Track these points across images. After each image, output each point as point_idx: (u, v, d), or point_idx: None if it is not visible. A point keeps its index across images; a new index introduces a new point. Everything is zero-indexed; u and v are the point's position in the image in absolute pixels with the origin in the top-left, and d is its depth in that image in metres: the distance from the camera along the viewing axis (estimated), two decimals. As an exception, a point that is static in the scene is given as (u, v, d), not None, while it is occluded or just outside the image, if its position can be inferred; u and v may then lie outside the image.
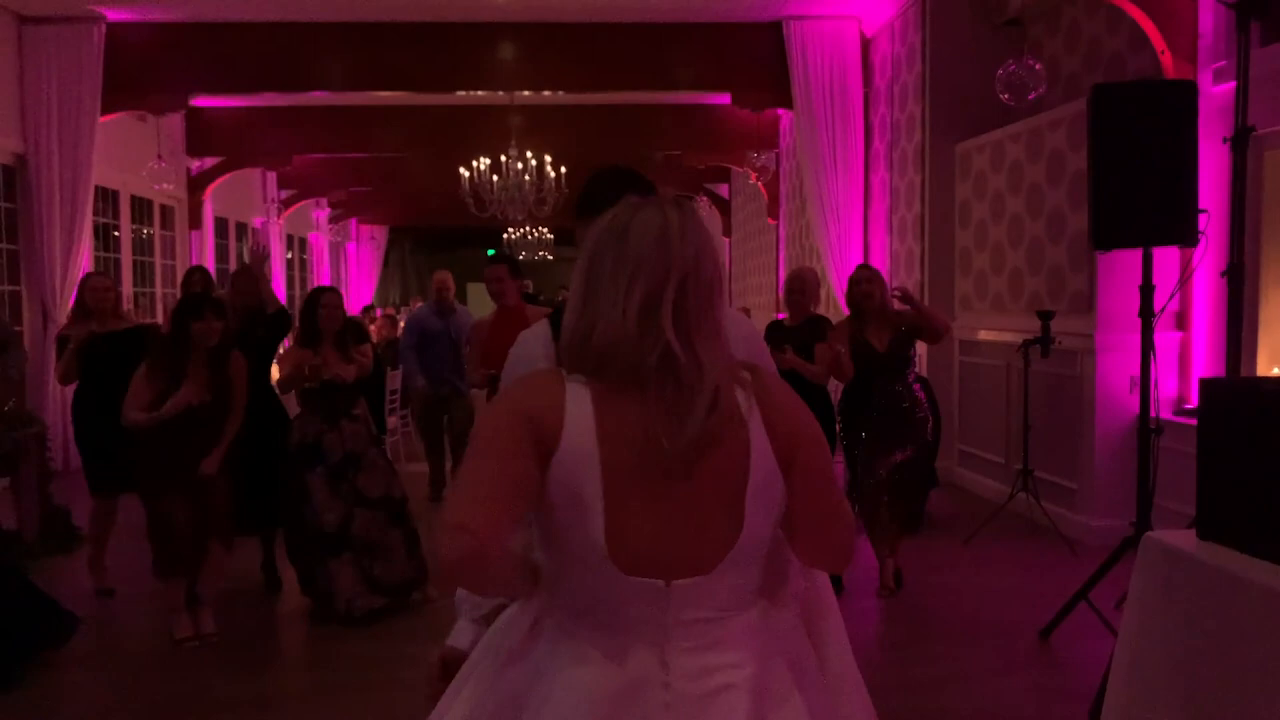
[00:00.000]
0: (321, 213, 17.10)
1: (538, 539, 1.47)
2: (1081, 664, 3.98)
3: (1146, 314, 3.76)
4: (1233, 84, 4.30)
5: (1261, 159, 5.11)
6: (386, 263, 23.41)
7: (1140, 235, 3.65)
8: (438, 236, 26.64)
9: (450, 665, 1.62)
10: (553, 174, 10.73)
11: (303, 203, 15.41)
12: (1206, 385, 3.13)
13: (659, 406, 1.35)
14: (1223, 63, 5.35)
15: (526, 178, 10.53)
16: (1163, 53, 5.59)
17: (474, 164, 10.71)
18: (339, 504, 4.62)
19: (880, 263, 8.51)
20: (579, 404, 1.36)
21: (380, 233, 21.44)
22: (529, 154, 10.43)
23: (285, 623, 4.91)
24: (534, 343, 1.89)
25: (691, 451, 1.35)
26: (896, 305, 5.08)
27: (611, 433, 1.35)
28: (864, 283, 5.01)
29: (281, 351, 5.44)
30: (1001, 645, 4.29)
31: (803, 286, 5.23)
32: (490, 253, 29.29)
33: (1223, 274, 4.49)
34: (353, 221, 19.30)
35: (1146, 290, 3.76)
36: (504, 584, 1.42)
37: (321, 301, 4.74)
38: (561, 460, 1.35)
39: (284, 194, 14.57)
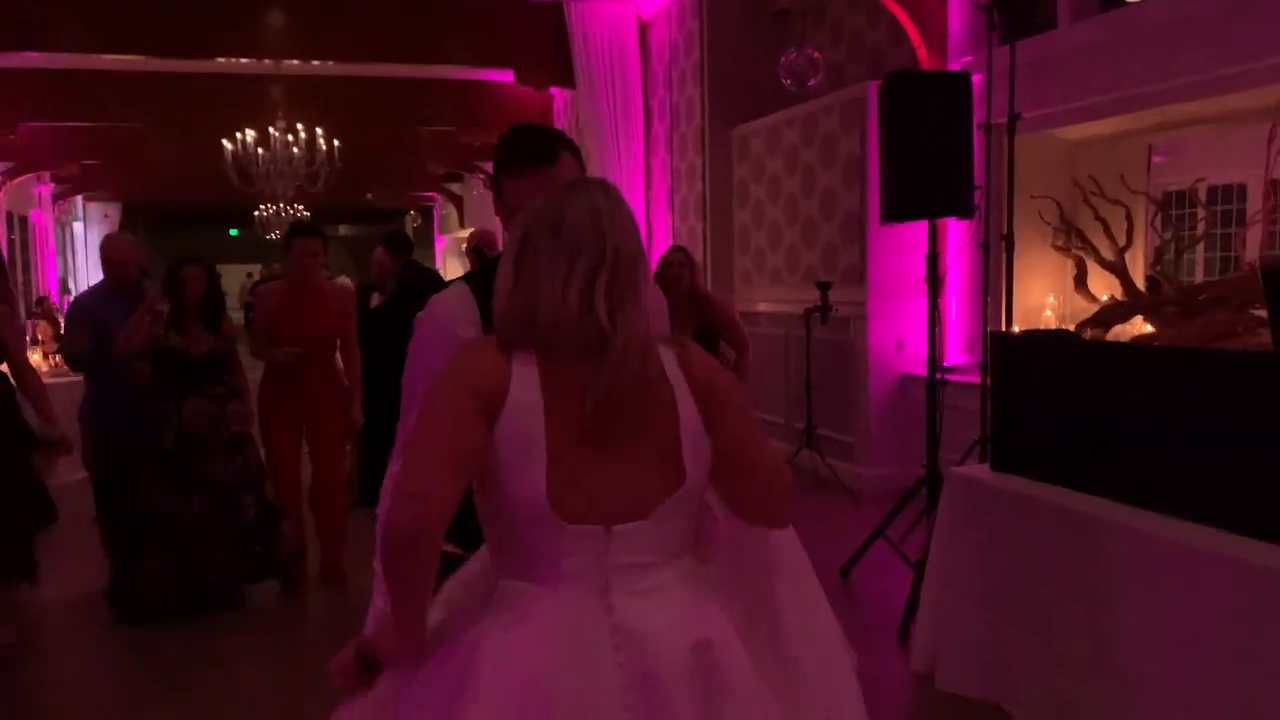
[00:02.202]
0: (45, 188, 15.42)
1: (481, 505, 1.55)
2: (882, 593, 4.44)
3: (933, 279, 4.24)
4: (978, 76, 4.92)
5: (1002, 144, 5.83)
6: (119, 244, 21.43)
7: (925, 209, 4.11)
8: (176, 215, 24.69)
9: (367, 659, 1.56)
10: (324, 147, 10.30)
11: (23, 177, 13.82)
12: (997, 339, 3.61)
13: (593, 371, 1.46)
14: (969, 58, 6.03)
15: (295, 150, 10.04)
16: (919, 47, 6.23)
17: (238, 137, 10.08)
18: (168, 488, 4.34)
19: (662, 241, 8.87)
20: (523, 370, 1.47)
21: (114, 211, 19.59)
22: (299, 127, 9.95)
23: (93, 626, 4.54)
24: (456, 303, 1.91)
25: (625, 409, 1.47)
26: (703, 289, 5.15)
27: (553, 397, 1.46)
28: (675, 265, 5.03)
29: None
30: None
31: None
32: (234, 232, 27.65)
33: (980, 244, 5.12)
34: (78, 199, 17.53)
35: (932, 258, 4.24)
36: (434, 560, 1.45)
37: (184, 274, 4.46)
38: (506, 420, 1.44)
39: (1, 166, 13.02)
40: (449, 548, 1.81)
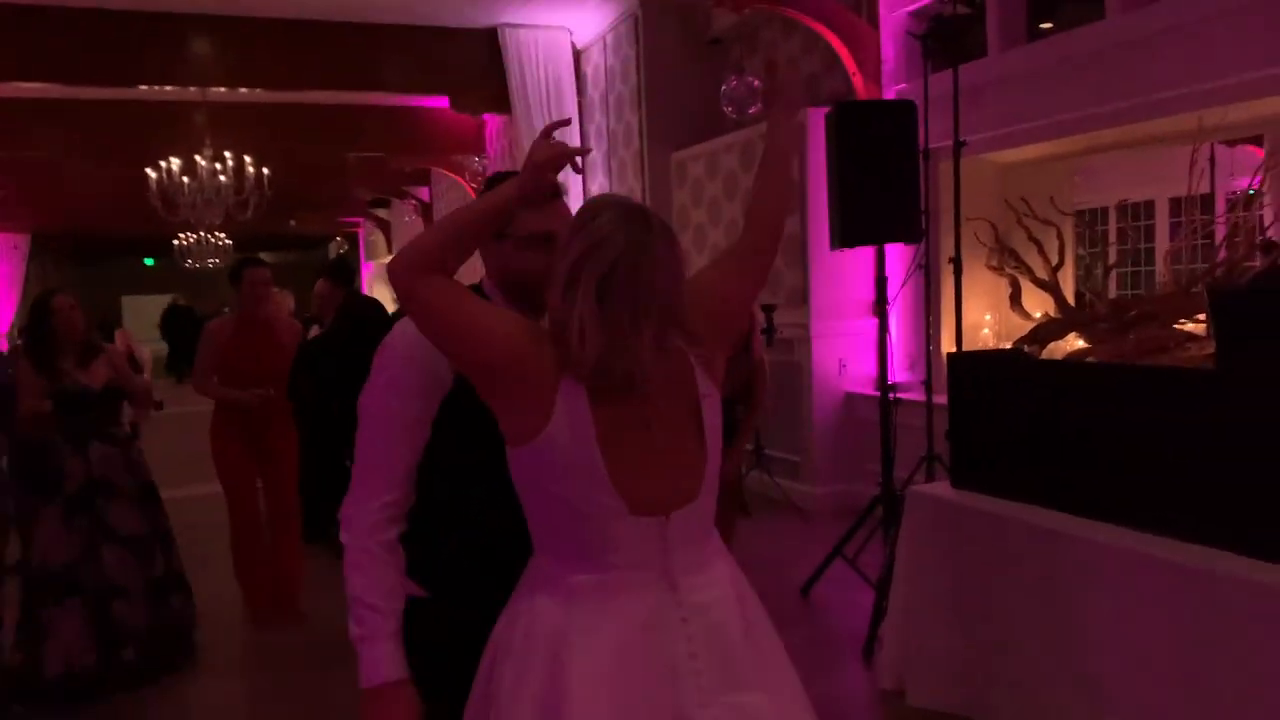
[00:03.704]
0: (-50, 219, 14.79)
1: (535, 506, 1.58)
2: (843, 611, 4.51)
3: (881, 302, 4.36)
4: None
5: (937, 169, 6.01)
6: (26, 278, 20.63)
7: (875, 234, 4.21)
8: (84, 245, 23.87)
9: (405, 700, 1.65)
10: (252, 173, 10.10)
11: (-73, 207, 13.25)
12: (954, 358, 3.71)
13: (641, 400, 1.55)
14: (903, 85, 6.22)
15: (222, 178, 9.83)
16: (854, 74, 6.40)
17: (163, 165, 9.82)
18: (74, 540, 4.01)
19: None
20: (572, 391, 1.51)
21: (23, 242, 18.87)
22: (227, 154, 9.74)
23: None
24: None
25: (653, 384, 1.52)
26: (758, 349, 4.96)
27: (600, 402, 1.51)
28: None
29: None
30: (770, 608, 4.74)
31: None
32: (149, 261, 26.84)
33: (919, 266, 5.26)
34: (-16, 229, 16.85)
35: (881, 281, 4.35)
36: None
37: (52, 306, 4.10)
38: (558, 420, 1.49)
39: (-97, 197, 12.46)
40: (413, 590, 1.78)
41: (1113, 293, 5.97)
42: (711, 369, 1.64)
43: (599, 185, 9.16)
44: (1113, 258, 5.80)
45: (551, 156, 1.58)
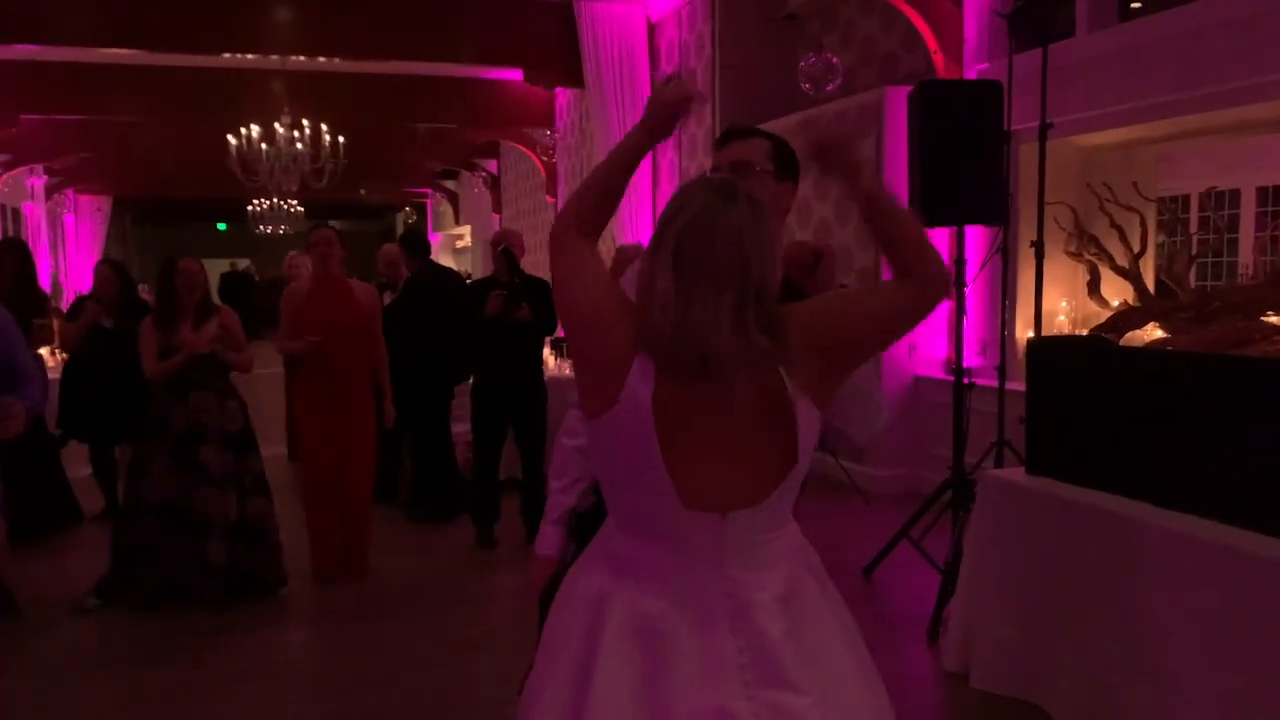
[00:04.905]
0: (38, 181, 15.30)
1: (603, 482, 1.63)
2: (906, 593, 4.51)
3: (960, 284, 4.30)
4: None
5: (1019, 151, 5.90)
6: (107, 238, 21.30)
7: (957, 214, 4.17)
8: (162, 209, 24.54)
9: (544, 574, 2.07)
10: (328, 141, 10.28)
11: (17, 170, 13.71)
12: (1034, 344, 3.67)
13: (716, 388, 1.51)
14: (985, 65, 6.10)
15: (299, 146, 10.02)
16: (935, 53, 6.30)
17: (243, 132, 10.04)
18: (175, 479, 4.37)
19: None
20: (643, 365, 1.51)
21: (105, 204, 19.45)
22: (304, 122, 9.93)
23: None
24: None
25: (731, 370, 1.48)
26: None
27: (666, 393, 1.50)
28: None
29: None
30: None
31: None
32: (221, 226, 27.48)
33: (998, 250, 5.19)
34: (69, 192, 17.40)
35: (959, 264, 4.30)
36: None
37: (178, 268, 4.48)
38: (623, 407, 1.50)
39: (-4, 158, 12.91)
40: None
41: (1194, 283, 5.82)
42: (811, 383, 1.55)
43: (669, 160, 9.15)
44: (1195, 247, 5.66)
45: (679, 95, 1.64)
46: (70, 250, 17.78)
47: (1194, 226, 6.41)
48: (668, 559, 1.55)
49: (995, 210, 4.15)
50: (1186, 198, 7.19)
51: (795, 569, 1.64)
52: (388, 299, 6.17)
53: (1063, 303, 6.16)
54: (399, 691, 3.66)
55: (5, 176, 13.21)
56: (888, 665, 3.86)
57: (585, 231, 1.62)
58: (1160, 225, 5.88)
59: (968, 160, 4.05)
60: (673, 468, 1.50)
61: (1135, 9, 5.59)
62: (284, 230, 20.30)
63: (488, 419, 5.40)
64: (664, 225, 1.52)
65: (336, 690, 3.72)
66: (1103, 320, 4.88)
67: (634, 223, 9.07)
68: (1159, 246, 6.00)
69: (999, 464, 4.63)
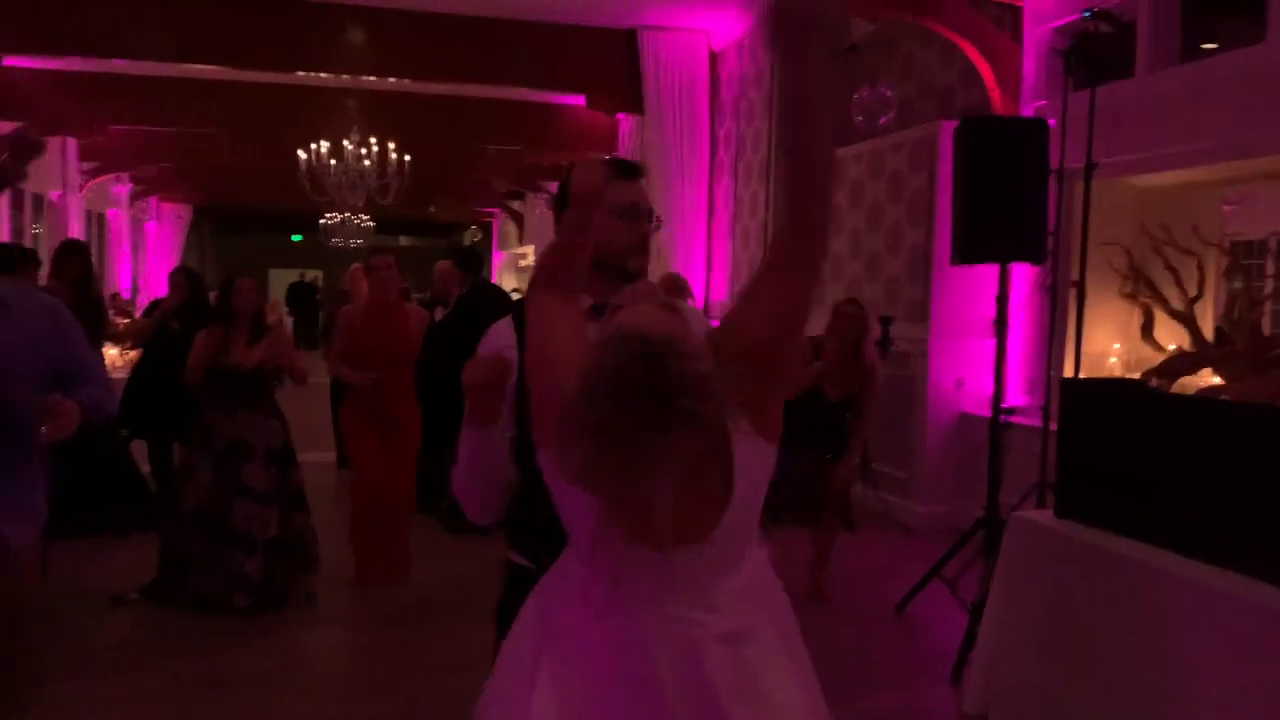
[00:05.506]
0: (123, 188, 15.93)
1: (556, 506, 1.64)
2: (936, 632, 4.44)
3: (1001, 322, 4.26)
4: (1052, 120, 4.93)
5: (1073, 190, 5.82)
6: (186, 245, 22.06)
7: (997, 252, 4.13)
8: (239, 218, 25.34)
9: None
10: (395, 159, 10.55)
11: (104, 177, 14.31)
12: (1067, 385, 3.62)
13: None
14: (1043, 101, 6.04)
15: (367, 163, 10.30)
16: (992, 89, 6.26)
17: (312, 146, 10.36)
18: (216, 494, 4.53)
19: (722, 268, 8.94)
20: None
21: (186, 212, 20.15)
22: (372, 139, 10.20)
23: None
24: (505, 332, 2.04)
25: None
26: (870, 356, 4.74)
27: None
28: (840, 318, 4.78)
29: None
30: (864, 622, 4.71)
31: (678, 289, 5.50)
32: (296, 237, 28.24)
33: (1047, 289, 5.12)
34: (153, 200, 18.08)
35: (1002, 301, 4.26)
36: None
37: (236, 285, 4.72)
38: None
39: (85, 166, 13.49)
40: (518, 559, 1.96)
41: (1268, 331, 5.65)
42: (753, 406, 1.51)
43: (724, 188, 9.20)
44: (1270, 289, 5.50)
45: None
46: (150, 256, 18.45)
47: (1269, 271, 6.22)
48: (612, 591, 1.53)
49: (1035, 249, 4.10)
50: (1259, 243, 6.99)
51: (750, 613, 1.59)
52: (439, 314, 6.31)
53: (1115, 345, 6.04)
54: (431, 693, 3.74)
55: (92, 183, 13.80)
56: (909, 702, 3.81)
57: (548, 286, 1.71)
58: (1228, 270, 5.73)
59: (1009, 198, 4.02)
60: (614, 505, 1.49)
61: (1205, 50, 5.49)
62: (355, 243, 20.80)
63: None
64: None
65: (367, 693, 3.82)
66: (1155, 364, 4.78)
67: (687, 248, 9.12)
68: (1227, 292, 5.84)
69: (1040, 505, 4.55)
